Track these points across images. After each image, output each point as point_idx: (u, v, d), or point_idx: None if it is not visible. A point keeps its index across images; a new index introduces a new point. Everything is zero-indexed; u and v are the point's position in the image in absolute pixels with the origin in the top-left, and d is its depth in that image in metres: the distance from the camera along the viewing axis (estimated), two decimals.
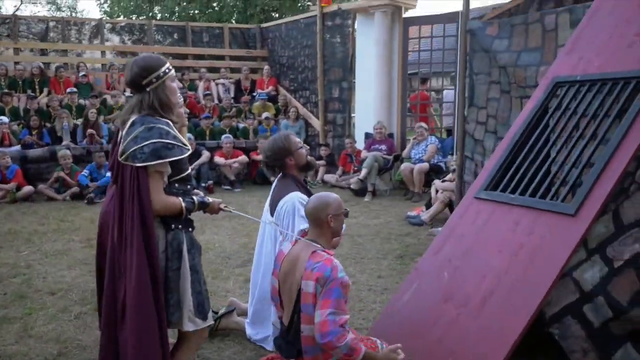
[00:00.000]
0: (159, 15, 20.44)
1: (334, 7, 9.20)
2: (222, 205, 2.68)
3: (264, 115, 10.14)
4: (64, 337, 3.59)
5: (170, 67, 2.42)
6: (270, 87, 11.43)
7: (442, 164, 7.90)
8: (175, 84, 2.44)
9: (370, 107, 8.72)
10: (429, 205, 6.83)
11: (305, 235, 2.97)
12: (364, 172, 7.88)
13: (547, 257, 3.01)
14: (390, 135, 8.57)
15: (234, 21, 19.36)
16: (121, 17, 20.19)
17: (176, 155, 2.31)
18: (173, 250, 2.33)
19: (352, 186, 8.13)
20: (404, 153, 8.26)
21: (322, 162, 9.08)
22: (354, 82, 9.26)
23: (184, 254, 2.37)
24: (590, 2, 4.85)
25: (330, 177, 8.94)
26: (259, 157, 9.07)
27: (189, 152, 2.40)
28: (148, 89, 2.34)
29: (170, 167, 2.36)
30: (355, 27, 9.04)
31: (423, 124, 8.17)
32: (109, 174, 8.09)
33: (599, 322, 2.95)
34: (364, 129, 8.83)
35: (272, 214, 3.36)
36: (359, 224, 6.53)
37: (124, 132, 2.32)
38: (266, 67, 11.68)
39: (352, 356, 2.58)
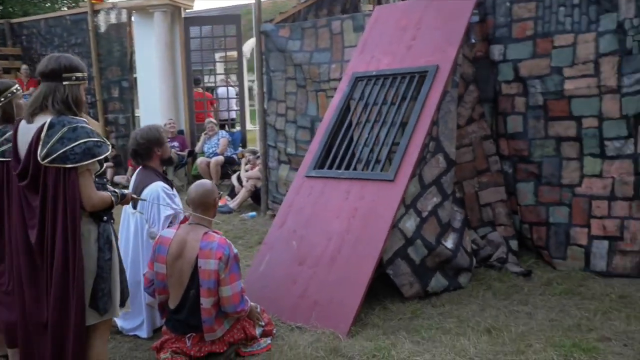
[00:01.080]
0: None
1: (108, 5, 8.94)
2: (133, 195, 2.81)
3: None
4: None
5: (86, 77, 2.48)
6: (32, 89, 10.46)
7: (234, 156, 8.42)
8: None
9: (156, 105, 8.75)
10: (232, 195, 7.29)
11: (186, 220, 3.25)
12: None
13: (378, 215, 3.79)
14: (181, 132, 8.76)
15: None
16: None
17: (105, 152, 2.39)
18: (104, 242, 2.41)
19: None
20: (197, 148, 8.55)
21: (109, 163, 8.80)
22: (136, 81, 9.16)
23: (114, 244, 2.48)
24: (366, 11, 5.89)
25: (120, 178, 8.73)
26: None
27: (110, 148, 2.49)
28: (65, 83, 2.37)
29: None
30: (133, 25, 8.93)
31: (212, 119, 8.57)
32: None
33: (418, 260, 3.85)
34: None
35: (134, 205, 3.48)
36: None
37: (43, 134, 2.29)
38: (24, 66, 10.61)
39: (245, 311, 3.03)
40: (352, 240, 3.77)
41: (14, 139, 2.45)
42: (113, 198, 2.48)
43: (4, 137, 2.97)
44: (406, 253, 3.81)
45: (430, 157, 4.08)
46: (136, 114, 9.37)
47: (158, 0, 8.43)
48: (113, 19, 9.05)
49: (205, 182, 3.15)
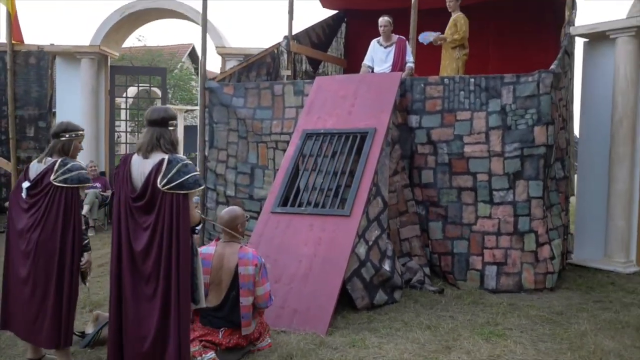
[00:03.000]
0: None
1: (32, 46, 9.14)
2: (202, 216, 3.57)
3: None
4: None
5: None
6: None
7: None
8: None
9: None
10: None
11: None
12: (86, 208, 8.21)
13: (339, 243, 4.83)
14: (102, 174, 9.09)
15: None
16: None
17: (203, 184, 3.19)
18: (194, 247, 3.16)
19: None
20: None
21: None
22: (55, 122, 9.35)
23: (197, 250, 3.23)
24: (307, 80, 7.05)
25: None
26: None
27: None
28: (170, 128, 3.15)
29: None
30: (55, 67, 9.21)
31: None
32: None
33: (369, 278, 4.92)
34: None
35: None
36: (107, 254, 7.05)
37: (163, 167, 3.00)
38: None
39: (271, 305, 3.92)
40: (320, 262, 4.75)
41: (128, 170, 3.14)
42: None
43: (66, 167, 3.60)
44: (360, 273, 4.86)
45: (373, 198, 5.24)
46: None
47: (87, 48, 8.90)
48: (32, 60, 9.27)
49: (233, 209, 3.98)
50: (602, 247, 6.62)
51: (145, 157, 3.13)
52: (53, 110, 9.47)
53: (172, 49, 23.76)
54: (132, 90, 12.42)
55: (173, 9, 8.87)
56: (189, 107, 17.57)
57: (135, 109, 12.22)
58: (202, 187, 3.22)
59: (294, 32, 8.41)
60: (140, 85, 9.42)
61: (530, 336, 4.27)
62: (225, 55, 8.86)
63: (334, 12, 9.84)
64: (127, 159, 3.23)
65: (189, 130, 14.50)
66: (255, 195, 6.87)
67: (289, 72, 8.29)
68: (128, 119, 10.88)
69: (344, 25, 10.13)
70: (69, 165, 3.60)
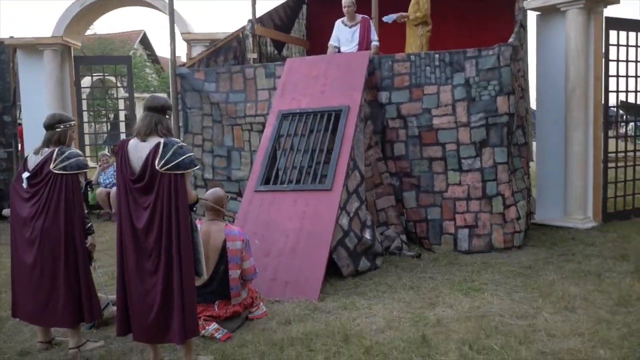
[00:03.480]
0: None
1: None
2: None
3: None
4: None
5: None
6: None
7: None
8: None
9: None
10: None
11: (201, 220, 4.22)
12: None
13: (323, 216, 5.10)
14: None
15: None
16: None
17: (198, 164, 3.37)
18: (193, 224, 3.36)
19: None
20: (94, 179, 8.96)
21: None
22: (21, 116, 9.25)
23: (195, 226, 3.43)
24: (277, 62, 7.23)
25: (7, 212, 8.74)
26: None
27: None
28: (167, 116, 3.32)
29: None
30: (17, 60, 9.08)
31: (106, 152, 9.07)
32: None
33: (352, 247, 5.22)
34: None
35: None
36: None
37: (160, 149, 3.16)
38: None
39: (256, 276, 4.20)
40: (305, 235, 5.01)
41: (126, 155, 3.30)
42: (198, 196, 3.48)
43: (64, 155, 3.74)
44: (344, 242, 5.15)
45: (351, 172, 5.52)
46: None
47: (49, 39, 8.81)
48: None
49: (218, 190, 4.19)
50: (561, 207, 7.12)
51: (143, 140, 3.30)
52: (18, 103, 9.36)
53: (122, 36, 23.35)
54: (87, 81, 12.35)
55: None
56: (146, 95, 17.43)
57: (98, 99, 12.15)
58: (197, 167, 3.41)
59: (257, 15, 8.55)
60: (105, 75, 9.36)
61: (505, 288, 4.66)
62: (191, 41, 8.92)
63: None
64: (124, 143, 3.39)
65: None
66: (233, 177, 7.07)
67: (254, 56, 8.46)
68: (87, 109, 10.77)
69: (304, 7, 10.30)
70: (67, 153, 3.74)
